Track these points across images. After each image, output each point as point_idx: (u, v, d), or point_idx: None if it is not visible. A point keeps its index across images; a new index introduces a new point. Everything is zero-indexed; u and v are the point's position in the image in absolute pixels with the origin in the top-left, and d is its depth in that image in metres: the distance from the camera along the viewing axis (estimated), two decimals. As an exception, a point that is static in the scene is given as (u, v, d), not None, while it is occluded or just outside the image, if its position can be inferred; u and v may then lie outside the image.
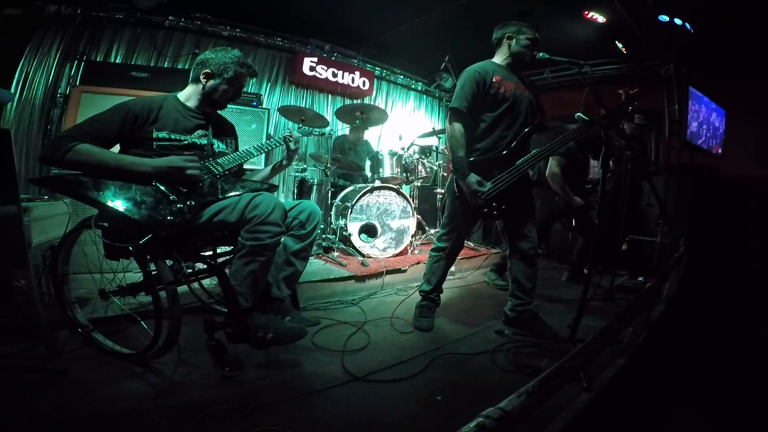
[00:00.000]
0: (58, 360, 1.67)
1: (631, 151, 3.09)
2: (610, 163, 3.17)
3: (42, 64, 3.63)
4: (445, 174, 4.77)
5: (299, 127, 2.30)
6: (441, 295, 2.53)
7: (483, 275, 3.66)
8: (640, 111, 3.68)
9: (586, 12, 4.14)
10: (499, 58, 2.30)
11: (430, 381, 1.76)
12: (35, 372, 1.56)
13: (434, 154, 4.45)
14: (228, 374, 1.63)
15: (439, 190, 4.48)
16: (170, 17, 4.16)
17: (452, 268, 2.59)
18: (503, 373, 1.87)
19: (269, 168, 2.19)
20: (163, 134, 1.73)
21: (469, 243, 4.42)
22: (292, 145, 2.09)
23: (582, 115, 2.20)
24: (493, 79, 2.17)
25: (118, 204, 1.53)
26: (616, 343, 1.74)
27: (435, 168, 4.41)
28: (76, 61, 3.73)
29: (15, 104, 3.51)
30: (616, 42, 4.71)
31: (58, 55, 3.68)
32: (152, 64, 4.09)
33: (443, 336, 2.29)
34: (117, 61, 3.95)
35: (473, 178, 2.08)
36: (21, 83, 3.53)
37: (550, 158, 3.25)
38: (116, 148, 1.72)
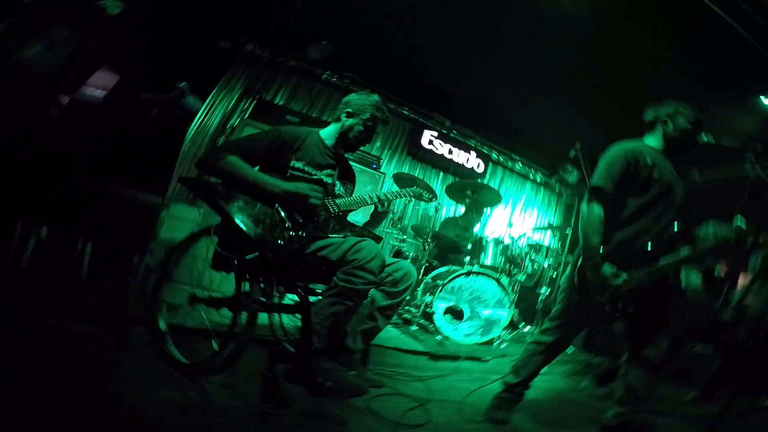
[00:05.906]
0: (123, 351, 1.77)
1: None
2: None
3: (225, 97, 4.24)
4: (553, 275, 4.33)
5: (411, 188, 2.28)
6: (526, 392, 2.16)
7: (576, 383, 3.02)
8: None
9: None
10: (651, 142, 1.98)
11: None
12: (96, 358, 1.67)
13: (545, 250, 4.09)
14: (270, 411, 1.53)
15: (543, 290, 4.05)
16: (327, 72, 4.76)
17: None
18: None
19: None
20: (299, 164, 1.88)
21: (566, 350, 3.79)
22: (379, 207, 2.08)
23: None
24: (647, 161, 1.85)
25: (240, 217, 1.65)
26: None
27: (544, 266, 4.03)
28: (250, 99, 4.33)
29: (194, 127, 3.92)
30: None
31: (239, 91, 4.30)
32: (304, 112, 4.56)
33: (519, 435, 1.92)
34: (280, 104, 4.51)
35: (609, 269, 1.78)
36: (205, 110, 4.08)
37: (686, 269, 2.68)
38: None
